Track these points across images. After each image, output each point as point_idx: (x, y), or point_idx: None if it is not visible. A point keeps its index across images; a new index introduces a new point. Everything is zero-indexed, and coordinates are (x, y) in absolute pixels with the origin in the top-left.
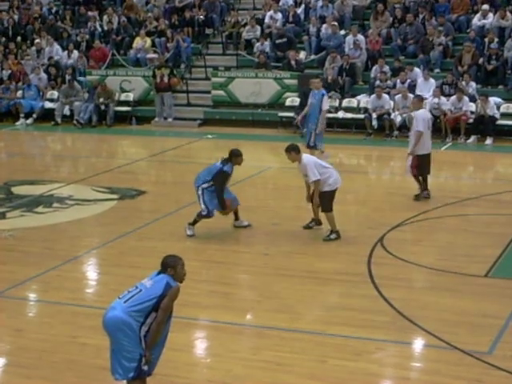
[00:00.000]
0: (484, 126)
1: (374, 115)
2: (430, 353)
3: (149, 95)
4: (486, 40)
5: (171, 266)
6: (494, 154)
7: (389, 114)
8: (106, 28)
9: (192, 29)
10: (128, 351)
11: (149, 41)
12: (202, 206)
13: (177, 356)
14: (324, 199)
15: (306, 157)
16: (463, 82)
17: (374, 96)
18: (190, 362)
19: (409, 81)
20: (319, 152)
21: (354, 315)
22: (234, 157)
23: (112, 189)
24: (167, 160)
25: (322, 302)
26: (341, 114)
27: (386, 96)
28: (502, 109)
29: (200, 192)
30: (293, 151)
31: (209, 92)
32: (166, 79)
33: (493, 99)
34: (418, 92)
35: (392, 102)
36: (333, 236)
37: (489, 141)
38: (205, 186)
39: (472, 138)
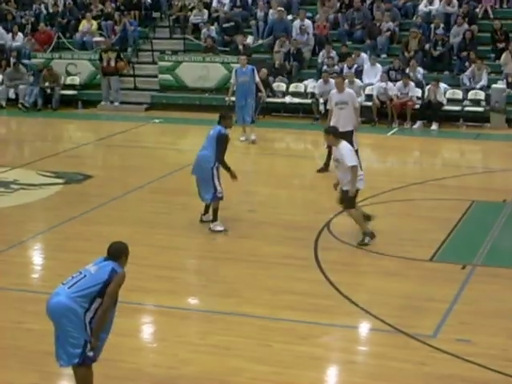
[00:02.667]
0: (431, 112)
1: (321, 100)
2: (376, 336)
3: (95, 79)
4: (432, 26)
5: (118, 253)
6: (439, 140)
7: None
8: (51, 10)
9: (139, 12)
10: (73, 337)
11: (95, 24)
12: (218, 187)
13: (123, 341)
14: (346, 197)
15: (343, 142)
16: (409, 69)
17: (320, 81)
18: (137, 346)
19: (356, 66)
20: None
21: (300, 299)
22: (223, 119)
23: (58, 173)
24: (114, 144)
25: (268, 287)
26: (288, 99)
27: (332, 81)
28: (448, 94)
29: (215, 175)
30: (331, 134)
31: (156, 76)
32: (112, 63)
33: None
34: (364, 77)
35: None
36: (367, 240)
37: (434, 126)
38: (216, 165)
39: (418, 124)
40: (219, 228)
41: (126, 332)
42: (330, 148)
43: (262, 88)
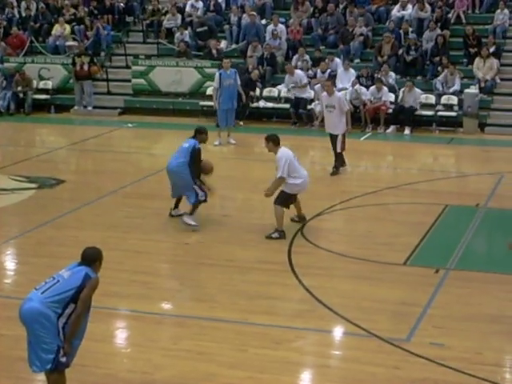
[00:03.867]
0: (404, 116)
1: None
2: (350, 341)
3: (68, 83)
4: (402, 31)
5: (92, 258)
6: (412, 144)
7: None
8: (23, 14)
9: (112, 16)
10: (45, 343)
11: (68, 28)
12: (200, 192)
13: (96, 346)
14: (281, 196)
15: (281, 151)
16: (381, 74)
17: (287, 75)
18: (110, 352)
19: (329, 71)
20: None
21: (274, 304)
22: (199, 134)
23: (30, 178)
24: (87, 149)
25: (242, 291)
26: (262, 104)
27: (299, 72)
28: (421, 99)
29: (192, 182)
30: (270, 141)
31: (129, 80)
32: (85, 67)
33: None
34: (338, 82)
35: (312, 92)
36: (275, 235)
37: (407, 131)
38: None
39: (391, 128)
40: (192, 222)
41: (99, 337)
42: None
43: (241, 91)
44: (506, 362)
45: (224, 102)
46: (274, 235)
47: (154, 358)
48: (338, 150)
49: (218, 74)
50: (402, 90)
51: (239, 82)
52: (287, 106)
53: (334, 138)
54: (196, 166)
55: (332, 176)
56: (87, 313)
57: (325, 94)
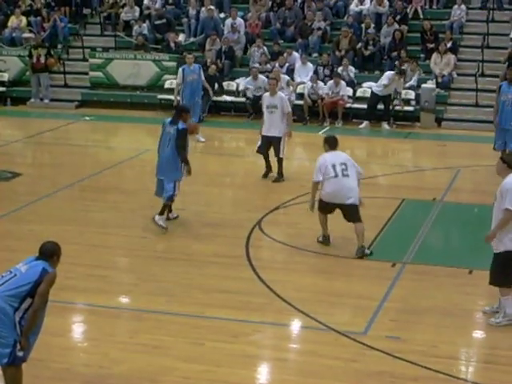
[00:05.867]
0: (383, 111)
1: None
2: (307, 334)
3: (24, 75)
4: (363, 26)
5: (50, 253)
6: (370, 138)
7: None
8: None
9: (69, 8)
10: (2, 337)
11: (24, 20)
12: (177, 191)
13: (53, 340)
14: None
15: (323, 155)
16: (339, 68)
17: (250, 77)
18: (67, 346)
19: (287, 65)
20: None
21: (231, 297)
22: (182, 112)
23: None
24: (44, 142)
25: (199, 285)
26: (225, 98)
27: (262, 77)
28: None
29: (181, 173)
30: (326, 144)
31: (86, 73)
32: (42, 59)
33: (370, 84)
34: (296, 76)
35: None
36: (321, 239)
37: (386, 125)
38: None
39: (364, 123)
40: (162, 223)
41: (56, 331)
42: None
43: (207, 86)
44: (460, 354)
45: (186, 98)
46: (320, 239)
47: (111, 352)
48: (281, 155)
49: (181, 70)
50: (391, 77)
51: (203, 77)
52: (245, 100)
53: (275, 141)
54: (184, 147)
55: (274, 183)
56: (44, 307)
57: (267, 94)
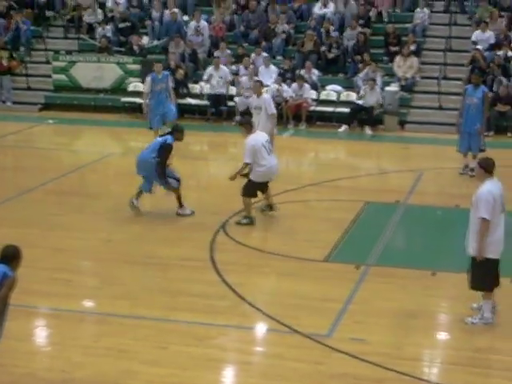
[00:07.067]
0: (365, 115)
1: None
2: (272, 337)
3: None
4: (323, 29)
5: (11, 256)
6: (333, 141)
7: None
8: None
9: (32, 10)
10: None
11: None
12: (169, 179)
13: (16, 345)
14: (248, 185)
15: (251, 137)
16: (303, 71)
17: (212, 67)
18: (30, 350)
19: (252, 67)
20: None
21: (196, 301)
22: (176, 132)
23: None
24: (6, 145)
25: (164, 288)
26: (189, 101)
27: (224, 68)
28: (342, 96)
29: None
30: (243, 126)
31: (49, 76)
32: (4, 62)
33: (333, 87)
34: (260, 79)
35: (234, 88)
36: (245, 221)
37: (368, 130)
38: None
39: (343, 127)
40: (188, 212)
41: (19, 336)
42: None
43: (172, 95)
44: (424, 356)
45: (154, 107)
46: (243, 221)
47: (74, 357)
48: None
49: (149, 79)
50: (364, 88)
51: (171, 85)
52: (208, 102)
53: None
54: (163, 161)
55: None
56: (4, 311)
57: (254, 95)
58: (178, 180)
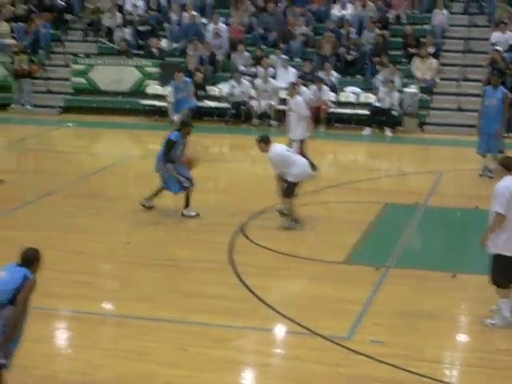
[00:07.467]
0: (385, 118)
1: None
2: (291, 339)
3: (6, 81)
4: (344, 31)
5: (31, 259)
6: (353, 143)
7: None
8: None
9: (51, 14)
10: None
11: (6, 26)
12: (181, 178)
13: (36, 347)
14: (288, 187)
15: (272, 149)
16: (322, 73)
17: (233, 82)
18: (50, 353)
19: (271, 69)
20: None
21: (215, 303)
22: (183, 126)
23: None
24: (26, 148)
25: (183, 290)
26: (207, 103)
27: (246, 82)
28: (361, 98)
29: (170, 167)
30: (261, 141)
31: (69, 79)
32: (24, 65)
33: (352, 89)
34: (278, 81)
35: (253, 90)
36: (292, 224)
37: (388, 132)
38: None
39: (367, 130)
40: (192, 213)
41: (39, 338)
42: None
43: (192, 96)
44: (445, 358)
45: (178, 113)
46: (289, 224)
47: (95, 359)
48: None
49: (172, 88)
50: (382, 90)
51: (192, 90)
52: (228, 105)
53: (297, 142)
54: (169, 155)
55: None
56: (25, 314)
57: (289, 97)
58: (190, 180)
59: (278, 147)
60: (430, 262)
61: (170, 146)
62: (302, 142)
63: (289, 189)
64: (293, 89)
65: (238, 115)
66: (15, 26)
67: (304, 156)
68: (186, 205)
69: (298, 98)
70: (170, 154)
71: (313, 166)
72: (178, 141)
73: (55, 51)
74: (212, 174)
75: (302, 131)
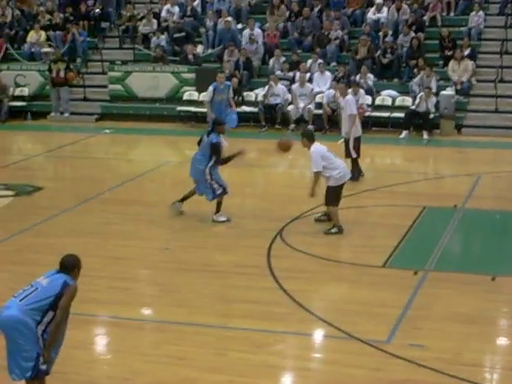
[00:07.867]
0: (422, 121)
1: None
2: (330, 343)
3: (44, 90)
4: (381, 34)
5: (71, 266)
6: (389, 146)
7: (282, 106)
8: None
9: (88, 22)
10: (25, 350)
11: (43, 34)
12: (215, 185)
13: (76, 353)
14: (328, 193)
15: (314, 146)
16: (358, 76)
17: (269, 84)
18: (90, 358)
19: (309, 74)
20: None
21: (253, 308)
22: (217, 125)
23: (7, 185)
24: (64, 155)
25: (221, 296)
26: (244, 108)
27: (281, 86)
28: (397, 102)
29: (208, 176)
30: (305, 137)
31: (105, 86)
32: (62, 73)
33: (388, 92)
34: (314, 85)
35: (289, 95)
36: (334, 230)
37: (426, 135)
38: (210, 164)
39: (404, 133)
40: (222, 218)
41: (79, 344)
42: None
43: (233, 104)
44: (485, 361)
45: (217, 116)
46: (332, 230)
47: (135, 364)
48: (353, 156)
49: (212, 88)
50: (419, 96)
51: (231, 95)
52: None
53: (346, 142)
54: (218, 159)
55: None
56: (66, 320)
57: (340, 97)
58: (223, 187)
59: (321, 146)
60: (469, 265)
61: (216, 148)
62: (355, 140)
63: (331, 195)
64: (344, 88)
65: (272, 119)
66: (52, 34)
67: (358, 154)
68: (217, 210)
69: (349, 97)
70: (219, 155)
71: (359, 171)
72: (219, 141)
73: (92, 59)
74: (249, 179)
75: (355, 129)
